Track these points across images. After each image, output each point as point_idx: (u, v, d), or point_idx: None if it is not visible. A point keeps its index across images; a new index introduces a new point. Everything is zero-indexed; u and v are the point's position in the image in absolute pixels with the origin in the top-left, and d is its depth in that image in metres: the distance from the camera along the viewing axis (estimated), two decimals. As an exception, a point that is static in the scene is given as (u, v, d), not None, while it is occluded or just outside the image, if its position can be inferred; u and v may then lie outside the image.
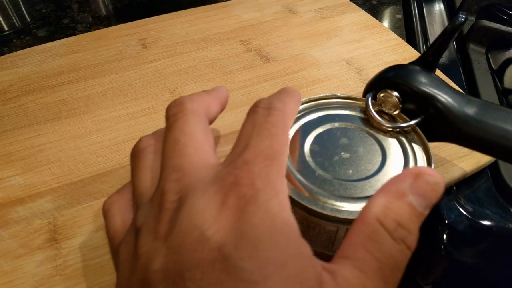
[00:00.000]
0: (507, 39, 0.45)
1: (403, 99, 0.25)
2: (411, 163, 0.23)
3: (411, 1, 0.57)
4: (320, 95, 0.27)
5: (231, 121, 0.35)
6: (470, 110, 0.24)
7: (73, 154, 0.32)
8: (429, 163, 0.23)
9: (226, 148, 0.32)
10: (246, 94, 0.37)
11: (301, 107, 0.26)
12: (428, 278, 0.32)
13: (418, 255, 0.35)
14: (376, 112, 0.25)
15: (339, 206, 0.20)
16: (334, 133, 0.25)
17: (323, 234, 0.22)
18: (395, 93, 0.25)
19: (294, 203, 0.20)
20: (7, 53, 0.44)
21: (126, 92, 0.38)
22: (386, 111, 0.26)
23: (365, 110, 0.26)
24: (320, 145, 0.24)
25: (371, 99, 0.26)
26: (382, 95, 0.25)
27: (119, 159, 0.32)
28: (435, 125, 0.25)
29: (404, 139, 0.25)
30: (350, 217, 0.20)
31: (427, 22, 0.53)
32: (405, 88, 0.25)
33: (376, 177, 0.22)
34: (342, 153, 0.23)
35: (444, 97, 0.24)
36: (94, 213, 0.28)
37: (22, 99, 0.38)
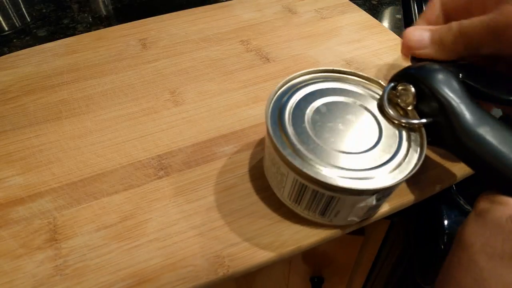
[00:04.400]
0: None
1: (419, 97, 0.25)
2: (399, 157, 0.24)
3: (411, 1, 0.57)
4: (338, 68, 0.29)
5: (231, 121, 0.35)
6: (481, 129, 0.23)
7: (73, 154, 0.32)
8: (416, 164, 0.23)
9: (226, 148, 0.32)
10: (246, 94, 0.38)
11: (317, 75, 0.28)
12: (428, 278, 0.32)
13: (418, 255, 0.35)
14: (390, 102, 0.26)
15: (327, 173, 0.23)
16: (340, 106, 0.26)
17: (311, 196, 0.24)
18: (413, 90, 0.25)
19: (288, 165, 0.23)
20: (7, 53, 0.44)
21: (126, 92, 0.38)
22: (401, 104, 0.26)
23: (380, 95, 0.27)
24: (322, 114, 0.26)
25: (390, 89, 0.27)
26: (400, 88, 0.26)
27: (119, 159, 0.32)
28: (441, 132, 0.25)
29: (404, 134, 0.25)
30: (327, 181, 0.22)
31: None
32: (424, 87, 0.25)
33: (362, 155, 0.24)
34: (340, 125, 0.25)
35: (459, 109, 0.23)
36: (94, 213, 0.28)
37: (22, 99, 0.38)
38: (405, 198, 0.29)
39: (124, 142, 0.33)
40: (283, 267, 0.45)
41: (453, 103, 0.24)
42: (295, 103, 0.26)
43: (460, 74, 0.25)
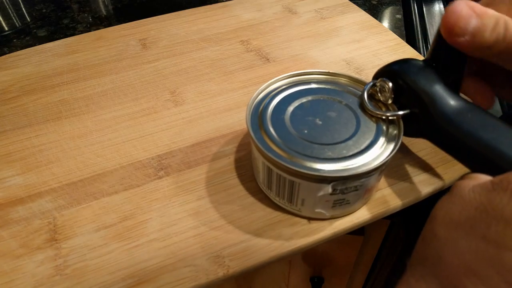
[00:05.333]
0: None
1: (397, 91, 0.26)
2: (377, 146, 0.25)
3: (411, 1, 0.57)
4: (309, 70, 0.30)
5: (231, 121, 0.35)
6: (458, 114, 0.24)
7: (73, 154, 0.32)
8: (390, 154, 0.24)
9: (226, 148, 0.32)
10: (246, 94, 0.38)
11: (289, 80, 0.30)
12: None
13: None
14: (372, 99, 0.28)
15: (290, 158, 0.24)
16: (312, 105, 0.28)
17: (284, 185, 0.25)
18: (390, 84, 0.26)
19: (257, 148, 0.25)
20: (7, 53, 0.44)
21: (126, 92, 0.38)
22: (381, 99, 0.27)
23: (353, 89, 0.29)
24: (302, 110, 0.27)
25: (371, 86, 0.28)
26: (379, 84, 0.27)
27: (119, 159, 0.32)
28: (419, 121, 0.25)
29: (383, 128, 0.26)
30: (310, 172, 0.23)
31: (427, 22, 0.53)
32: (400, 81, 0.26)
33: (333, 146, 0.25)
34: (317, 120, 0.27)
35: (434, 97, 0.24)
36: (94, 213, 0.28)
37: (22, 99, 0.38)
38: (405, 198, 0.29)
39: (124, 142, 0.33)
40: (283, 267, 0.45)
41: (428, 92, 0.25)
42: (280, 100, 0.28)
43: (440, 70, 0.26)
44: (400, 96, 0.26)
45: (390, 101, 0.27)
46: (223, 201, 0.29)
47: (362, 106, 0.27)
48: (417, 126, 0.26)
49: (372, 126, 0.26)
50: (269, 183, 0.26)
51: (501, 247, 0.15)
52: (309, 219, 0.27)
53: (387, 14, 0.57)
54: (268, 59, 0.42)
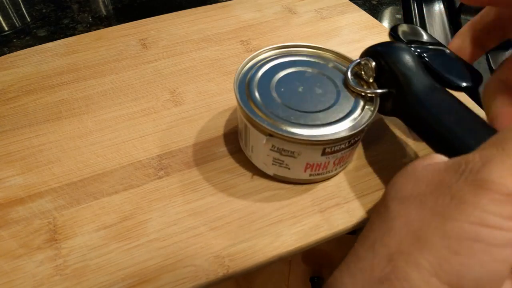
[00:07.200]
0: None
1: (379, 70, 0.28)
2: (356, 113, 0.27)
3: (411, 1, 0.57)
4: (298, 43, 0.32)
5: (231, 121, 0.35)
6: (429, 98, 0.25)
7: (73, 154, 0.32)
8: (365, 123, 0.26)
9: (226, 148, 0.32)
10: (246, 94, 0.37)
11: (280, 50, 0.32)
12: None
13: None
14: (356, 75, 0.29)
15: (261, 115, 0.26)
16: (303, 76, 0.30)
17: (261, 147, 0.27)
18: (373, 63, 0.28)
19: (240, 109, 0.27)
20: (7, 53, 0.44)
21: (126, 92, 0.38)
22: (364, 77, 0.29)
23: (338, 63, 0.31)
24: (289, 79, 0.29)
25: (356, 63, 0.29)
26: (363, 62, 0.29)
27: (119, 159, 0.32)
28: (395, 101, 0.27)
29: (362, 101, 0.28)
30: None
31: (427, 22, 0.53)
32: (383, 61, 0.28)
33: (315, 114, 0.27)
34: (300, 88, 0.28)
35: (411, 80, 0.26)
36: (94, 213, 0.28)
37: (22, 99, 0.38)
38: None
39: (124, 142, 0.33)
40: (283, 267, 0.45)
41: (406, 74, 0.26)
42: (269, 68, 0.30)
43: (424, 54, 0.28)
44: (381, 76, 0.28)
45: (371, 80, 0.28)
46: (223, 201, 0.29)
47: (345, 82, 0.29)
48: (392, 105, 0.28)
49: (350, 101, 0.28)
50: (240, 130, 0.30)
51: (445, 218, 0.16)
52: (256, 171, 0.30)
53: (387, 14, 0.57)
54: (268, 59, 0.42)
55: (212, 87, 0.38)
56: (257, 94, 0.28)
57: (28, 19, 0.56)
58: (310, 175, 0.28)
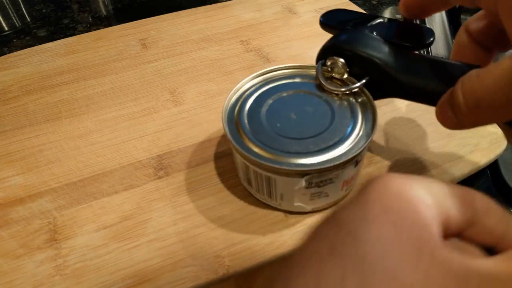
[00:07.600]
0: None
1: (348, 63, 0.27)
2: (359, 122, 0.26)
3: (411, 1, 0.57)
4: (273, 67, 0.30)
5: (231, 121, 0.35)
6: (410, 65, 0.25)
7: (73, 154, 0.32)
8: (374, 120, 0.25)
9: (226, 148, 0.32)
10: (246, 94, 0.37)
11: (257, 80, 0.29)
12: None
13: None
14: (328, 78, 0.28)
15: (265, 154, 0.24)
16: (288, 100, 0.28)
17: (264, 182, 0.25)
18: (341, 59, 0.27)
19: (235, 148, 0.25)
20: (7, 53, 0.44)
21: (126, 92, 0.38)
22: (337, 76, 0.28)
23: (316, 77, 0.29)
24: (274, 111, 0.27)
25: (322, 66, 0.28)
26: (329, 62, 0.27)
27: (119, 159, 0.32)
28: (381, 83, 0.26)
29: (353, 100, 0.27)
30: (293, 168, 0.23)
31: (427, 22, 0.53)
32: (348, 53, 0.26)
33: (321, 135, 0.25)
34: (293, 116, 0.26)
35: (386, 58, 0.25)
36: (94, 213, 0.28)
37: (22, 99, 0.38)
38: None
39: (124, 142, 0.33)
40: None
41: (378, 54, 0.26)
42: (253, 100, 0.28)
43: (374, 32, 0.27)
44: (355, 67, 0.27)
45: (346, 75, 0.27)
46: (223, 201, 0.29)
47: (322, 88, 0.28)
48: (380, 88, 0.27)
49: (347, 114, 0.26)
50: (248, 180, 0.27)
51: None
52: (290, 213, 0.28)
53: (387, 14, 0.57)
54: (268, 59, 0.42)
55: (212, 87, 0.38)
56: (256, 141, 0.25)
57: (28, 19, 0.56)
58: (346, 190, 0.27)
